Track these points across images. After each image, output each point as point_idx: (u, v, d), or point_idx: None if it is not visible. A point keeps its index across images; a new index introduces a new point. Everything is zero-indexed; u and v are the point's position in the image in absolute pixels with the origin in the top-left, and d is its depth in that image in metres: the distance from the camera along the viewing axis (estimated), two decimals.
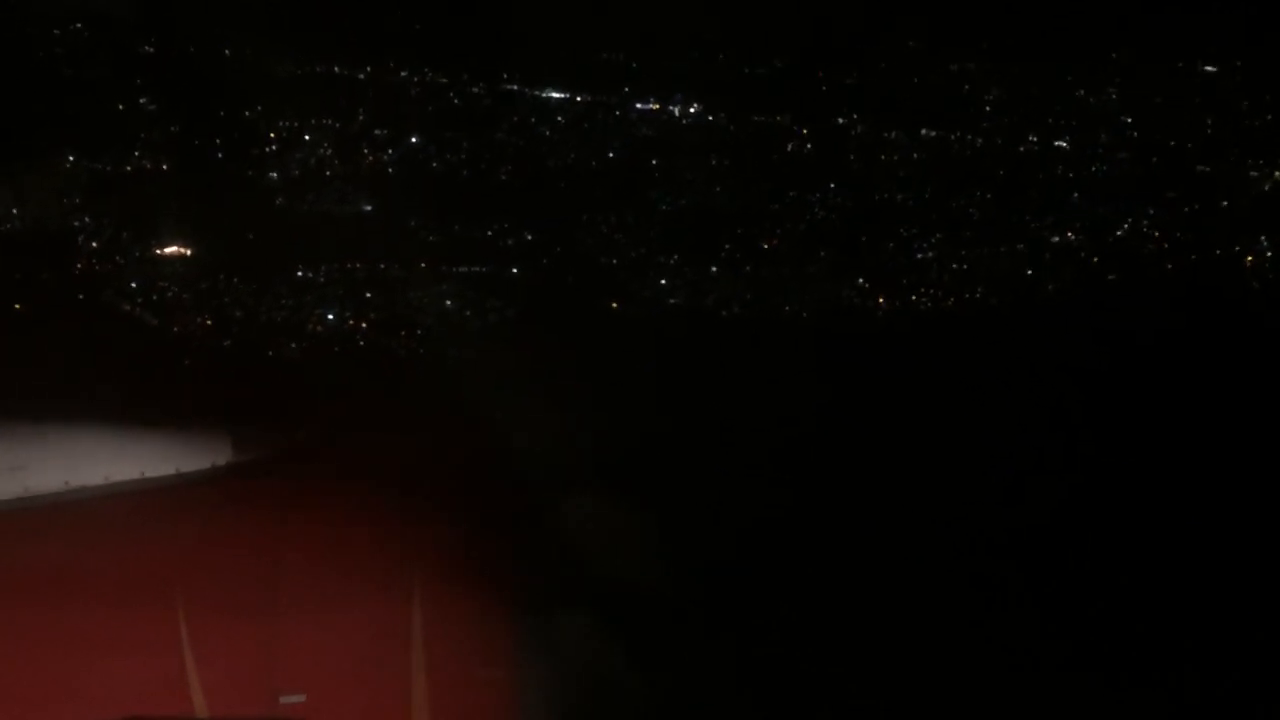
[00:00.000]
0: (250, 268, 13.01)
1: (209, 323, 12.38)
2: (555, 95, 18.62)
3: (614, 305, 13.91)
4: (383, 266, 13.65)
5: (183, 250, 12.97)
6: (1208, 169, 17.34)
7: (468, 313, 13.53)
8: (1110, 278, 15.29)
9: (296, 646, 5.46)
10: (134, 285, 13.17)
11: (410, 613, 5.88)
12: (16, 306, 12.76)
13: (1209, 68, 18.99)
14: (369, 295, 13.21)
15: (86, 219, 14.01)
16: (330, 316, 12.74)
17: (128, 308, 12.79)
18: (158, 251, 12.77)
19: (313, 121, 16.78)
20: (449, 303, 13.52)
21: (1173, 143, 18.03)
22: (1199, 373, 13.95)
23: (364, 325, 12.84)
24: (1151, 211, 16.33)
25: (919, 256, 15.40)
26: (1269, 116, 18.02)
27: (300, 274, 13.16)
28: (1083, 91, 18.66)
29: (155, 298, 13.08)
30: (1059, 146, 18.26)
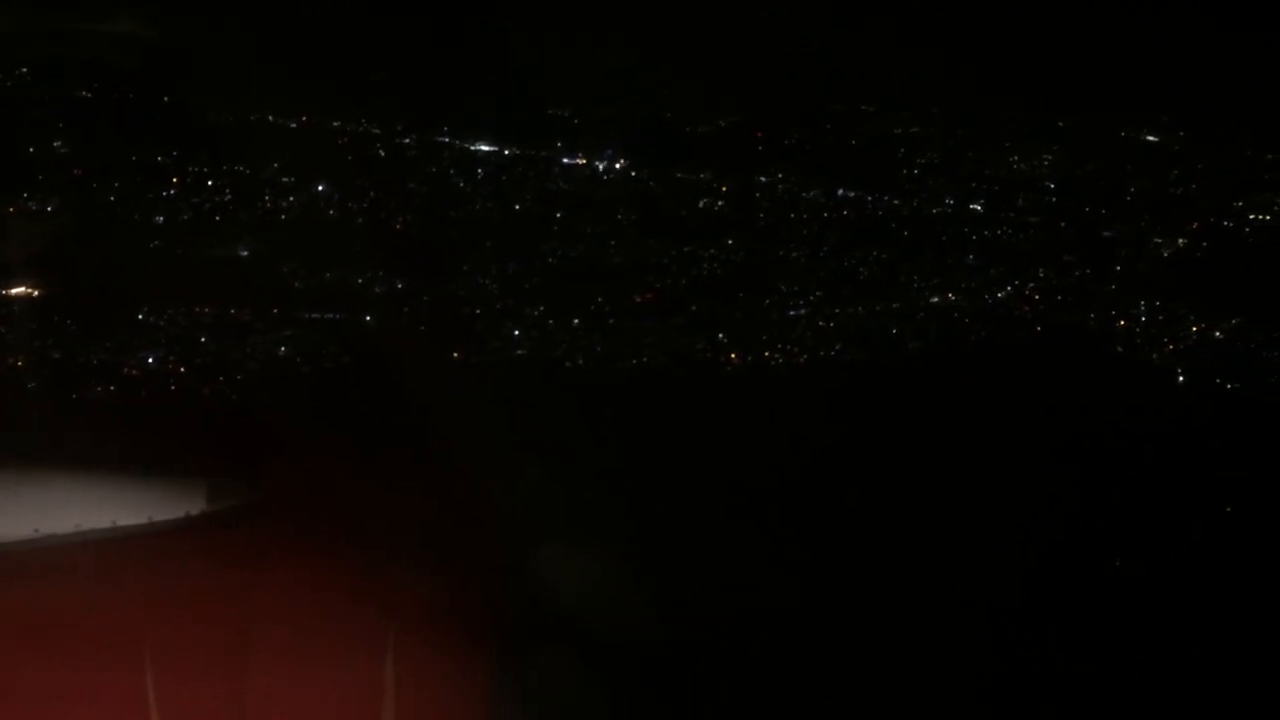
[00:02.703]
0: (90, 310, 13.30)
1: (19, 364, 12.66)
2: (485, 148, 18.80)
3: (455, 355, 13.99)
4: (232, 311, 13.84)
5: (30, 291, 13.33)
6: (1113, 234, 16.98)
7: (298, 359, 13.67)
8: (976, 338, 14.96)
9: (268, 699, 5.62)
10: None
11: (389, 667, 6.03)
12: None
13: (1151, 137, 18.64)
14: (203, 340, 13.42)
15: None
16: (150, 360, 12.97)
17: None
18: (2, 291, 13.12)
19: (223, 167, 17.10)
20: (283, 349, 13.69)
21: (1087, 208, 17.68)
22: (1048, 435, 13.64)
23: (181, 369, 13.04)
24: (1041, 274, 16.04)
25: (790, 313, 15.28)
26: (1192, 185, 17.66)
27: (140, 317, 13.40)
28: (1017, 157, 18.39)
29: None
30: (973, 209, 18.02)
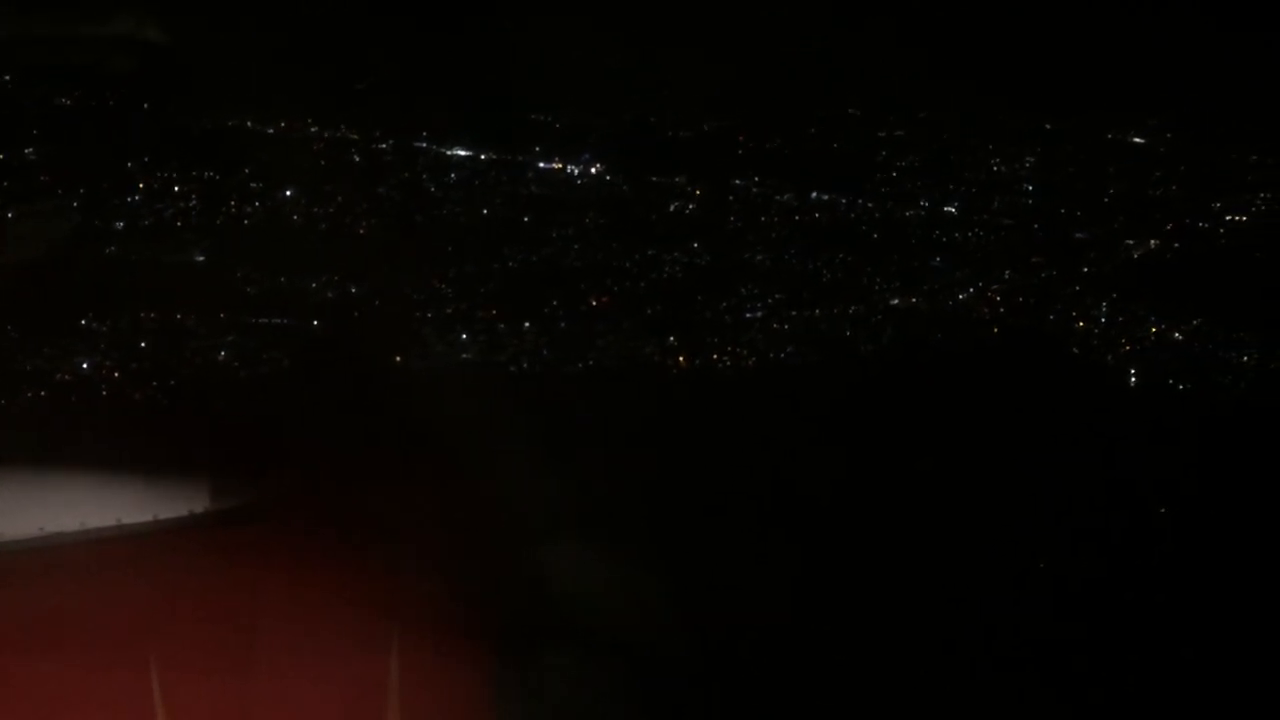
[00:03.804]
0: (30, 316, 13.36)
1: None
2: (461, 153, 18.78)
3: (397, 359, 13.95)
4: (178, 317, 13.88)
5: None
6: (1085, 235, 16.71)
7: (236, 364, 13.66)
8: (932, 340, 14.77)
9: (270, 696, 5.63)
10: None
11: (390, 663, 6.04)
12: None
13: (1137, 139, 18.35)
14: (143, 345, 13.45)
15: None
16: (85, 365, 13.00)
17: None
18: None
19: (192, 173, 17.17)
20: (222, 354, 13.70)
21: (1062, 210, 17.42)
22: (998, 436, 13.51)
23: (116, 375, 13.07)
24: (1007, 276, 15.81)
25: (747, 316, 15.14)
26: (1173, 187, 17.37)
27: (84, 323, 13.46)
28: (999, 159, 18.17)
29: None
30: (947, 212, 17.79)
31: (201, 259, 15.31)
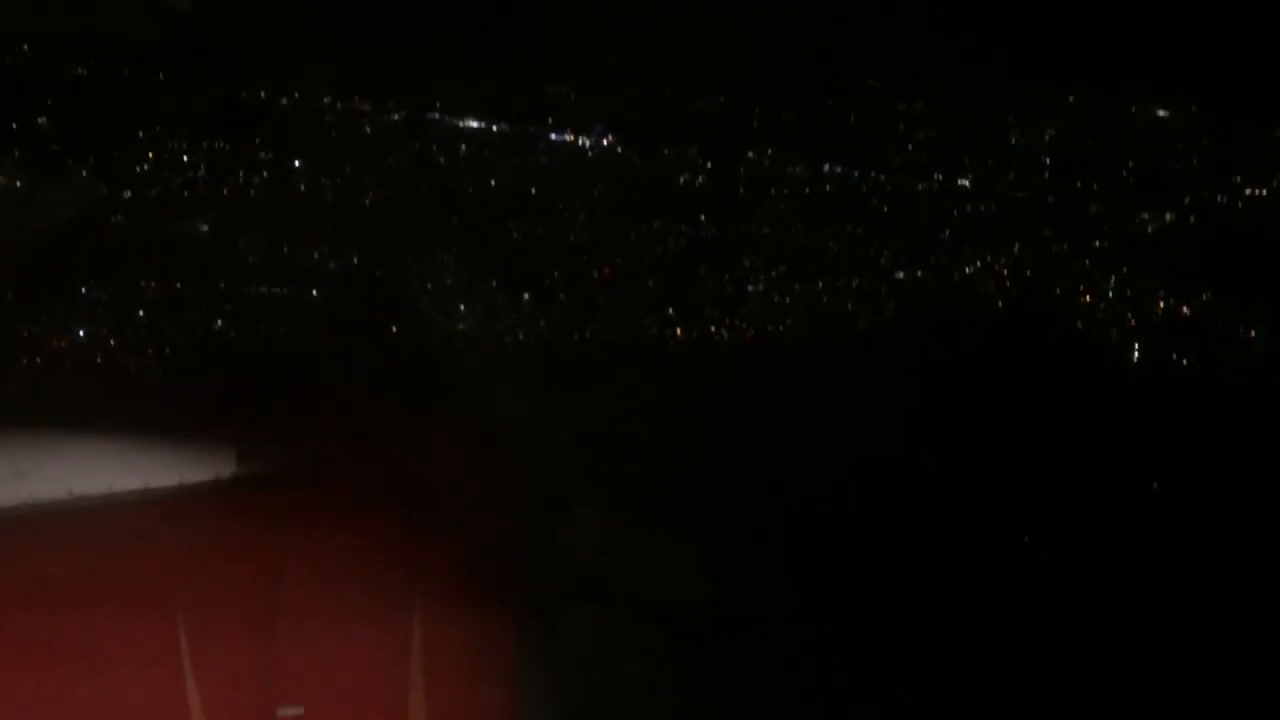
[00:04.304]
0: (34, 284, 13.44)
1: None
2: (473, 124, 18.74)
3: (393, 329, 13.95)
4: (178, 286, 13.94)
5: None
6: (1099, 209, 16.48)
7: (232, 334, 13.71)
8: (933, 315, 14.63)
9: (297, 660, 5.71)
10: None
11: (413, 629, 6.12)
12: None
13: (1161, 112, 18.09)
14: (141, 314, 13.51)
15: None
16: (81, 334, 13.07)
17: None
18: None
19: (202, 143, 17.23)
20: (219, 323, 13.74)
21: (1079, 183, 17.19)
22: (997, 412, 13.42)
23: (111, 343, 13.14)
24: (1016, 250, 15.63)
25: (748, 289, 15.05)
26: (1194, 161, 17.09)
27: (84, 291, 13.53)
28: (1017, 133, 17.96)
29: None
30: (961, 185, 17.59)
31: (205, 229, 15.23)
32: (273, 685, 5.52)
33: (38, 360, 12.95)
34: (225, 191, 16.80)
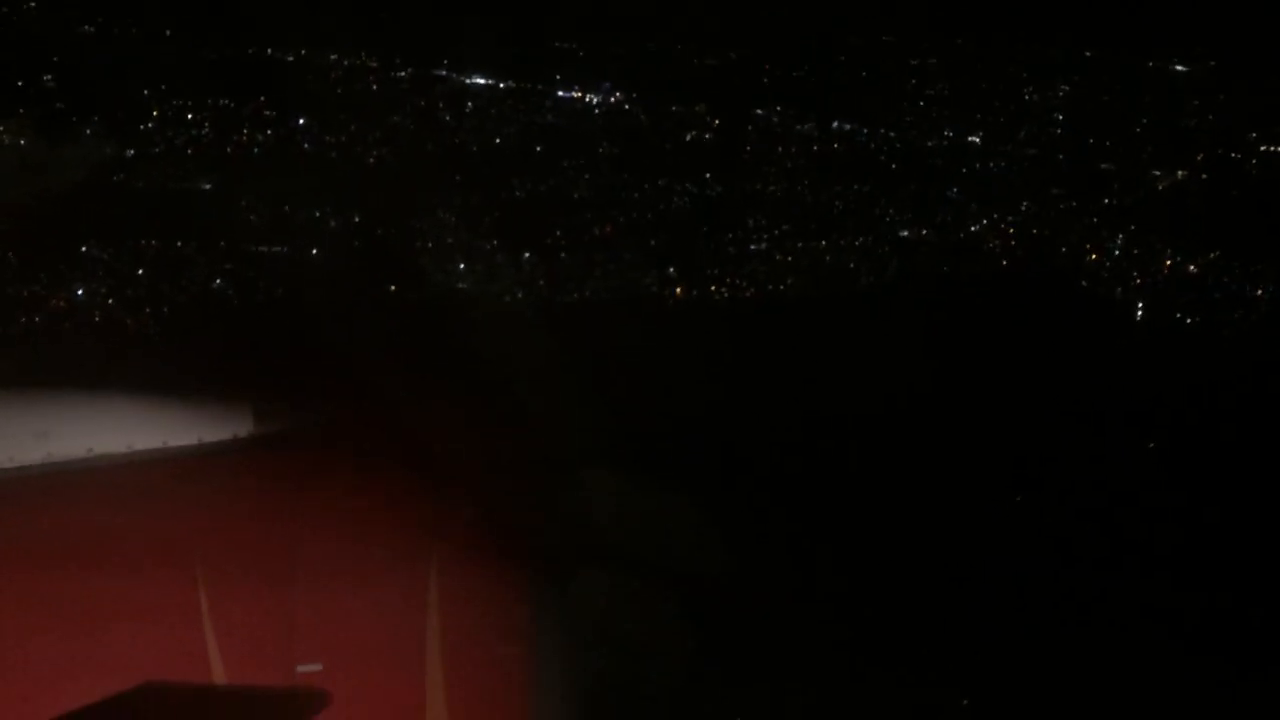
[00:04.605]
0: (35, 243, 13.42)
1: None
2: (480, 81, 18.61)
3: (392, 289, 13.89)
4: (179, 244, 13.90)
5: None
6: (1111, 166, 16.26)
7: (230, 292, 13.68)
8: (938, 273, 14.48)
9: (315, 617, 5.76)
10: None
11: (429, 586, 6.16)
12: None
13: (1180, 67, 17.82)
14: (140, 272, 13.48)
15: None
16: (80, 293, 13.06)
17: None
18: None
19: (208, 101, 17.16)
20: (218, 281, 13.72)
21: (1091, 140, 16.97)
22: (999, 369, 13.32)
23: (110, 302, 13.12)
24: (1024, 207, 15.44)
25: (751, 247, 14.91)
26: (1209, 116, 16.84)
27: (85, 250, 13.51)
28: (1031, 88, 17.72)
29: None
30: (971, 142, 17.39)
31: (207, 187, 15.18)
32: (291, 642, 5.52)
33: (35, 319, 12.90)
34: (229, 150, 16.55)
